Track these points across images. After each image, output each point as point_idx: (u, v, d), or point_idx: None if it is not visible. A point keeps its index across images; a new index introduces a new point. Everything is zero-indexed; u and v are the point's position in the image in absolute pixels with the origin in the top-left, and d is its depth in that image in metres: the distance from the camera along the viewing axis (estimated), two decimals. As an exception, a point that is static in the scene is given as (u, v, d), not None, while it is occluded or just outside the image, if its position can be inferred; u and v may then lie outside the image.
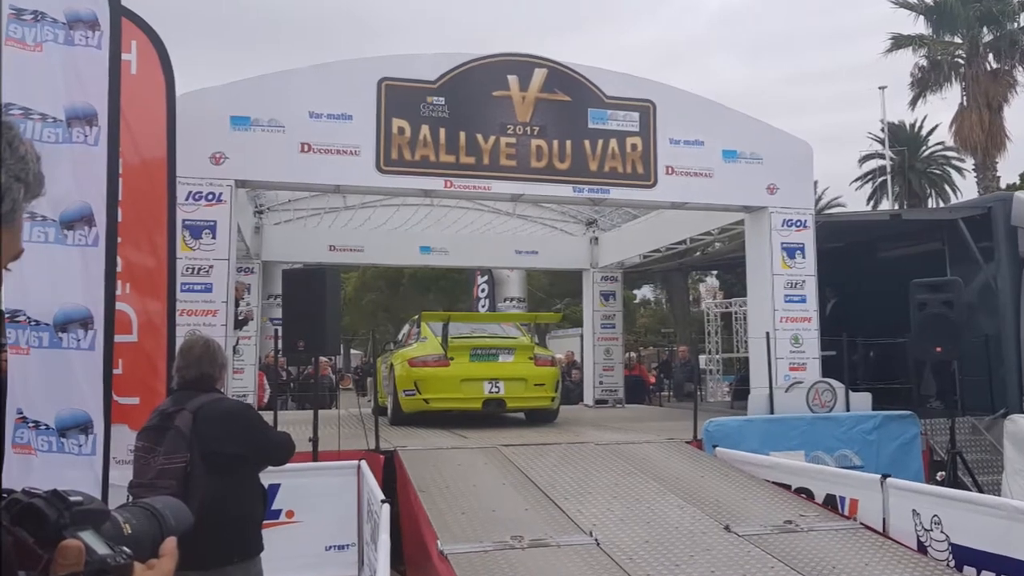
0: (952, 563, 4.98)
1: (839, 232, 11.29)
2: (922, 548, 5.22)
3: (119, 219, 5.39)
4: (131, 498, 3.09)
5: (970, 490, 7.48)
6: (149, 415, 3.60)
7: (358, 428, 7.88)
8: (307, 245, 13.27)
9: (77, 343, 5.16)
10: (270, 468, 3.78)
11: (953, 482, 7.76)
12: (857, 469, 7.51)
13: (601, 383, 14.17)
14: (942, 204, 30.65)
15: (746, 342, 13.57)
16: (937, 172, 34.38)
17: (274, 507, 5.68)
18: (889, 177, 29.02)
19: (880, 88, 28.45)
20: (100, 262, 5.23)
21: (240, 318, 10.37)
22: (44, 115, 5.13)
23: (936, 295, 8.30)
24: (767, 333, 9.09)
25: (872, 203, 33.45)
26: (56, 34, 5.24)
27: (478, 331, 10.29)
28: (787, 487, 6.51)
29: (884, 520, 5.60)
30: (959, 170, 32.80)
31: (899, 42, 26.48)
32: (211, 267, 7.78)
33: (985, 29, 25.75)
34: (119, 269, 5.45)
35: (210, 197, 7.85)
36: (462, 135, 8.67)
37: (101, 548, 1.09)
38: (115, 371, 5.38)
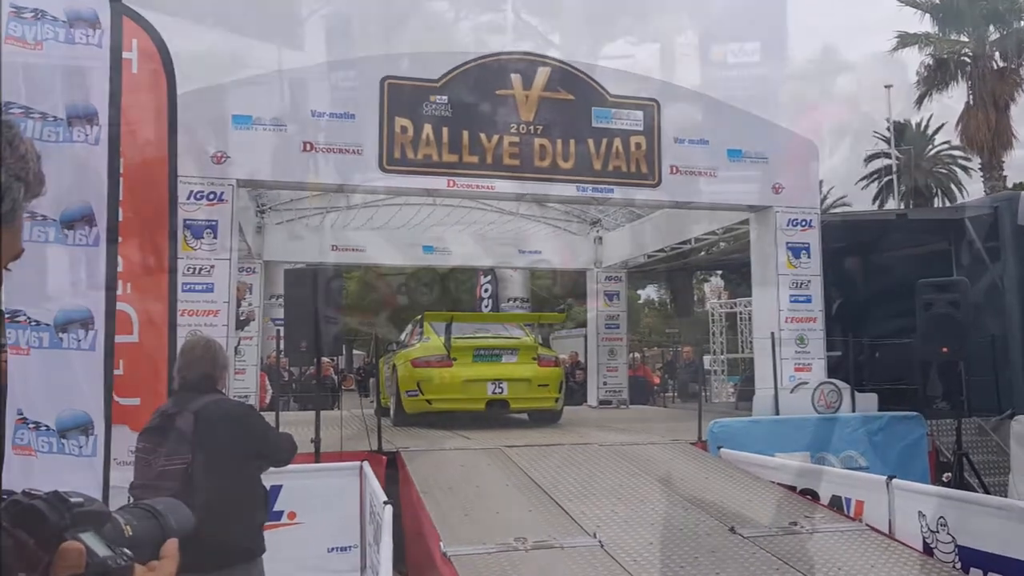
0: (958, 565, 4.94)
1: (845, 232, 11.24)
2: (928, 550, 5.19)
3: (120, 219, 5.35)
4: (132, 499, 3.08)
5: (976, 491, 7.43)
6: (150, 416, 3.60)
7: (360, 429, 7.86)
8: (309, 245, 13.28)
9: (78, 343, 5.13)
10: (272, 469, 3.77)
11: (959, 483, 7.70)
12: (863, 470, 7.48)
13: (605, 384, 14.14)
14: (948, 203, 30.58)
15: (751, 342, 13.52)
16: (943, 171, 34.29)
17: (276, 508, 5.65)
18: (895, 176, 28.94)
19: (886, 87, 28.45)
20: (101, 262, 5.20)
21: (242, 318, 10.37)
22: (44, 114, 5.09)
23: (942, 295, 8.24)
24: (772, 333, 9.05)
25: (878, 203, 33.36)
26: (57, 32, 5.21)
27: (481, 331, 10.25)
28: (792, 488, 6.48)
29: (890, 521, 5.57)
30: (965, 169, 32.75)
31: (905, 40, 26.39)
32: (212, 267, 7.76)
33: (992, 27, 25.66)
34: (120, 269, 5.42)
35: (211, 196, 7.83)
36: (465, 134, 8.64)
37: (102, 550, 1.09)
38: (116, 372, 5.34)
